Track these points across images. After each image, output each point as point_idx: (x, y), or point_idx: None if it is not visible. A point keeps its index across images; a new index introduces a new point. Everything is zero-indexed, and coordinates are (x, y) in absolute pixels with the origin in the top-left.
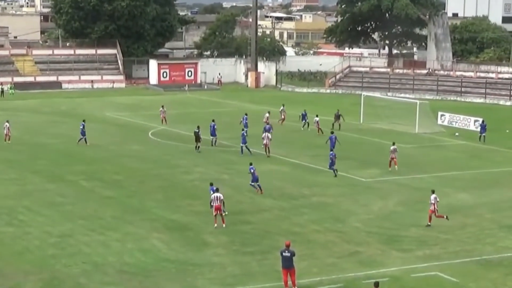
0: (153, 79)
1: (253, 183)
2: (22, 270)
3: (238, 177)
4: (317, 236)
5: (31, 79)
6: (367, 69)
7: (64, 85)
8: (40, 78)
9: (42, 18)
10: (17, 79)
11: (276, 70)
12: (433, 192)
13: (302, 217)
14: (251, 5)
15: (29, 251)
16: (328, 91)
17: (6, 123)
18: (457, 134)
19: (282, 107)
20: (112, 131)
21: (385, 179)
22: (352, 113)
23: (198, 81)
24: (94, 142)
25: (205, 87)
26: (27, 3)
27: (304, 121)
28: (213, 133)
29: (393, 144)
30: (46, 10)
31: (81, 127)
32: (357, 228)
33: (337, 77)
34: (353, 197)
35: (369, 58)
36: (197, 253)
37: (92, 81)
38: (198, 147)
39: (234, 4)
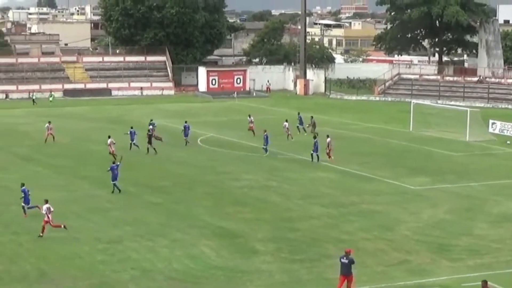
0: (202, 86)
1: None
2: (71, 275)
3: (287, 184)
4: (366, 244)
5: (81, 86)
6: (417, 76)
7: (114, 92)
8: (90, 85)
9: (92, 25)
10: (67, 86)
11: (325, 78)
12: None
13: (351, 225)
14: (300, 12)
15: (79, 256)
16: (377, 98)
17: (48, 124)
18: (508, 142)
19: (250, 118)
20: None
21: (435, 187)
22: (402, 120)
23: (247, 88)
24: (142, 148)
25: (254, 94)
26: (78, 11)
27: (300, 125)
28: (186, 135)
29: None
30: (96, 17)
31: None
32: (407, 237)
33: (387, 84)
34: (402, 205)
35: (419, 66)
36: (245, 260)
37: (141, 88)
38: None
39: (283, 11)
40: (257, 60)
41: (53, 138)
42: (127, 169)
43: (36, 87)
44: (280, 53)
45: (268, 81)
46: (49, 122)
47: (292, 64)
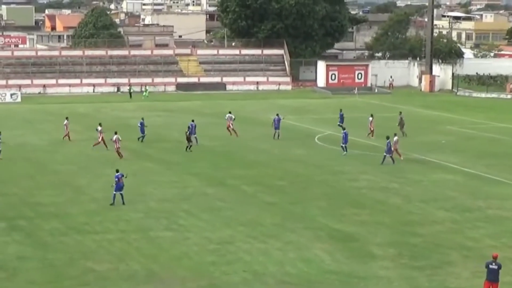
0: (321, 82)
1: (116, 192)
2: (180, 276)
3: (409, 186)
4: (493, 252)
5: (194, 79)
6: None
7: (229, 87)
8: (204, 79)
9: (207, 17)
10: (181, 79)
11: (453, 74)
12: None
13: (476, 231)
14: (427, 3)
15: (188, 256)
16: (509, 96)
17: (66, 121)
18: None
19: (229, 114)
20: (280, 136)
21: None
22: None
23: (368, 84)
24: (256, 145)
25: (376, 90)
26: (193, 1)
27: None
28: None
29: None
30: (212, 8)
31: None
32: None
33: None
34: None
35: None
36: (362, 265)
37: (257, 83)
38: (190, 146)
39: (408, 2)
40: (380, 54)
41: (69, 137)
42: (242, 167)
43: (148, 80)
44: (404, 47)
45: (391, 77)
46: (67, 118)
47: (417, 59)
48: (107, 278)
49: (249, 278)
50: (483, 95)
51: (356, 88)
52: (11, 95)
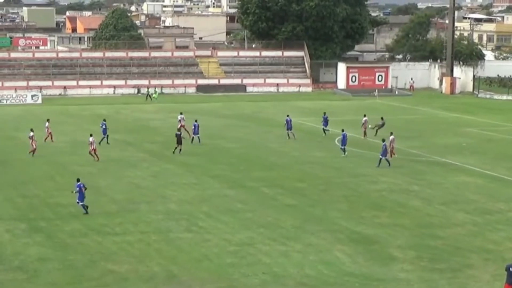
0: (341, 83)
1: (78, 202)
2: (199, 277)
3: (429, 188)
4: None
5: (214, 81)
6: None
7: (249, 88)
8: (224, 81)
9: (228, 18)
10: (201, 81)
11: (474, 76)
12: None
13: (497, 234)
14: (448, 5)
15: (208, 258)
16: None
17: (47, 123)
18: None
19: (180, 115)
20: (296, 136)
21: None
22: None
23: (389, 86)
24: (276, 147)
25: (396, 92)
26: (214, 3)
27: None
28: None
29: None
30: (232, 10)
31: (103, 126)
32: None
33: None
34: None
35: None
36: (382, 267)
37: (277, 84)
38: (180, 150)
39: (429, 4)
40: (400, 56)
41: (52, 138)
42: (262, 169)
43: (168, 82)
44: (425, 49)
45: (411, 79)
46: (48, 120)
47: (438, 61)
48: (127, 280)
49: (268, 280)
50: (504, 97)
51: (377, 90)
52: (32, 96)
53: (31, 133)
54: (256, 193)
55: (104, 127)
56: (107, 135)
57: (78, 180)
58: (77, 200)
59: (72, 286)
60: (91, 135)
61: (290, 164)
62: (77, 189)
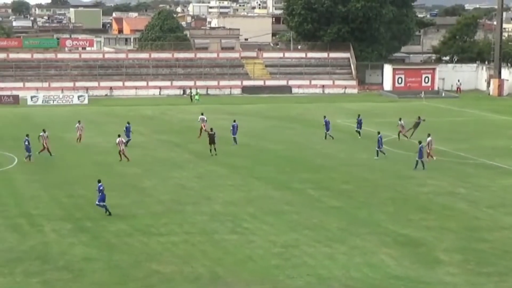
0: (387, 85)
1: (99, 203)
2: (244, 279)
3: (476, 191)
4: None
5: (260, 83)
6: None
7: (294, 90)
8: (270, 82)
9: (273, 20)
10: (246, 82)
11: None
12: None
13: None
14: (496, 6)
15: (252, 260)
16: None
17: (78, 124)
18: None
19: (202, 116)
20: (342, 138)
21: None
22: None
23: (435, 88)
24: (321, 149)
25: (443, 94)
26: (260, 4)
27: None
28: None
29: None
30: (278, 11)
31: (26, 142)
32: None
33: None
34: None
35: None
36: (428, 271)
37: (323, 86)
38: (214, 149)
39: (477, 5)
40: (447, 58)
41: (80, 139)
42: (307, 171)
43: (214, 83)
44: (472, 50)
45: (458, 81)
46: (79, 122)
47: (486, 62)
48: (172, 280)
49: (313, 282)
50: None
51: (423, 92)
52: (78, 97)
53: (44, 133)
54: (301, 194)
55: (127, 130)
56: (130, 139)
57: (99, 181)
58: (97, 202)
59: (117, 287)
60: (118, 136)
61: (336, 165)
62: (101, 188)
